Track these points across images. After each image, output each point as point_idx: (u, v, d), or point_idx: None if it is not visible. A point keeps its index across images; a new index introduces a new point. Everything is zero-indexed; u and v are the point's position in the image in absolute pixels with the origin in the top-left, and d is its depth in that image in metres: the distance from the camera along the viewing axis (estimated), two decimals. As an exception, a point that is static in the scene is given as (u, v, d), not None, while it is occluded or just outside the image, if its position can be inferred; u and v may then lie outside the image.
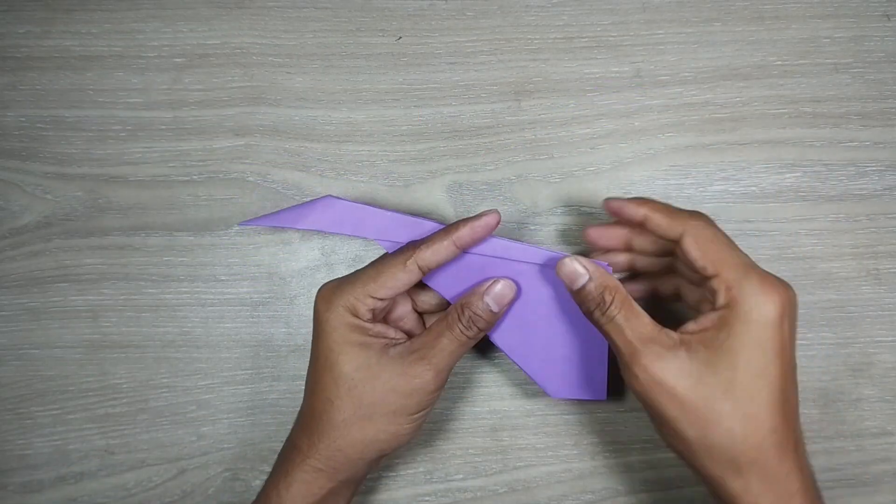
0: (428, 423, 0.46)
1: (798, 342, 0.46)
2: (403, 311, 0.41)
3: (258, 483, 0.45)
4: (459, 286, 0.40)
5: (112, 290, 0.47)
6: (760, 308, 0.33)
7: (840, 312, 0.46)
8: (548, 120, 0.47)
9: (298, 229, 0.42)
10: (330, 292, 0.38)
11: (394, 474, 0.46)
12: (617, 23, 0.48)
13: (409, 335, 0.40)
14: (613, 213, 0.39)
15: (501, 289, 0.38)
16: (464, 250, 0.38)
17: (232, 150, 0.47)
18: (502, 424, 0.46)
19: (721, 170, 0.47)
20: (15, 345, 0.46)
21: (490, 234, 0.38)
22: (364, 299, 0.37)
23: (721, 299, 0.34)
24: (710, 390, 0.33)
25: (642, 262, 0.41)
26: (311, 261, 0.47)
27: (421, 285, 0.40)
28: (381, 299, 0.37)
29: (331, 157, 0.47)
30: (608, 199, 0.39)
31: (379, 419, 0.37)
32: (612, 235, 0.41)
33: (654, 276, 0.41)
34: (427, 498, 0.46)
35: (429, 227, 0.39)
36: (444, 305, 0.42)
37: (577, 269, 0.37)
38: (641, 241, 0.40)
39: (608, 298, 0.35)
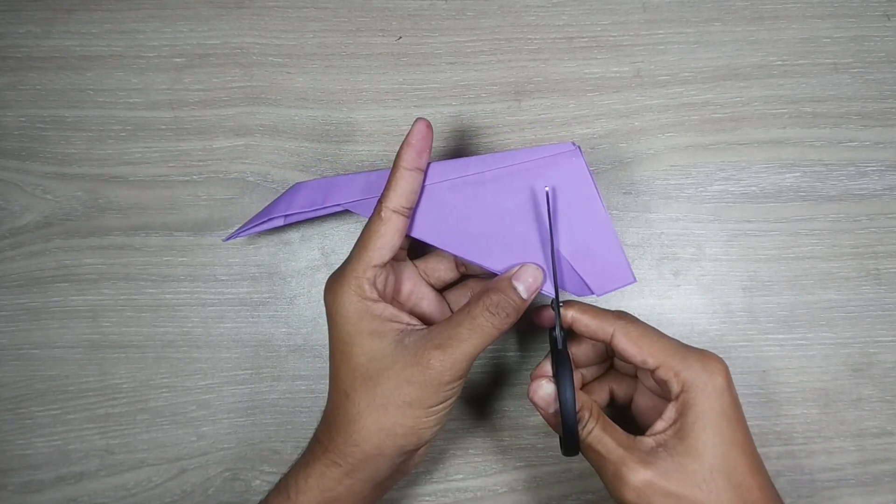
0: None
1: (798, 342, 0.46)
2: (412, 285, 0.41)
3: (258, 483, 0.45)
4: (442, 227, 0.39)
5: (112, 290, 0.47)
6: (713, 380, 0.35)
7: (840, 312, 0.46)
8: (548, 120, 0.47)
9: (281, 224, 0.43)
10: (333, 282, 0.37)
11: (394, 474, 0.46)
12: (617, 23, 0.48)
13: (431, 321, 0.40)
14: (542, 324, 0.40)
15: (529, 272, 0.37)
16: (420, 171, 0.37)
17: (232, 150, 0.47)
18: (502, 424, 0.46)
19: (721, 170, 0.47)
20: (15, 345, 0.46)
21: (428, 140, 0.37)
22: (365, 273, 0.36)
23: (675, 387, 0.36)
24: (699, 475, 0.34)
25: (585, 371, 0.42)
26: (311, 261, 0.47)
27: (422, 254, 0.40)
28: (380, 265, 0.36)
29: (331, 157, 0.47)
30: (533, 311, 0.40)
31: (394, 411, 0.35)
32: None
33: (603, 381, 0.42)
34: (427, 498, 0.46)
35: (387, 174, 0.38)
36: (455, 272, 0.42)
37: (550, 392, 0.37)
38: (577, 351, 0.41)
39: (585, 415, 0.36)
